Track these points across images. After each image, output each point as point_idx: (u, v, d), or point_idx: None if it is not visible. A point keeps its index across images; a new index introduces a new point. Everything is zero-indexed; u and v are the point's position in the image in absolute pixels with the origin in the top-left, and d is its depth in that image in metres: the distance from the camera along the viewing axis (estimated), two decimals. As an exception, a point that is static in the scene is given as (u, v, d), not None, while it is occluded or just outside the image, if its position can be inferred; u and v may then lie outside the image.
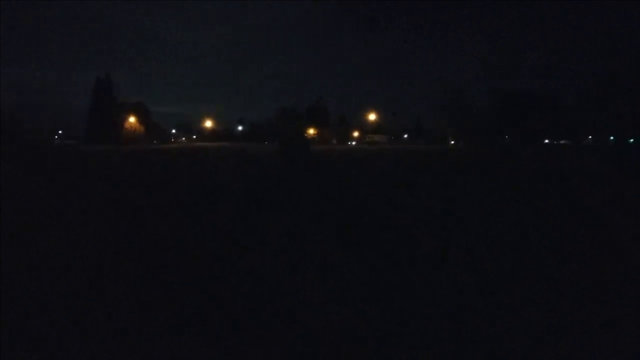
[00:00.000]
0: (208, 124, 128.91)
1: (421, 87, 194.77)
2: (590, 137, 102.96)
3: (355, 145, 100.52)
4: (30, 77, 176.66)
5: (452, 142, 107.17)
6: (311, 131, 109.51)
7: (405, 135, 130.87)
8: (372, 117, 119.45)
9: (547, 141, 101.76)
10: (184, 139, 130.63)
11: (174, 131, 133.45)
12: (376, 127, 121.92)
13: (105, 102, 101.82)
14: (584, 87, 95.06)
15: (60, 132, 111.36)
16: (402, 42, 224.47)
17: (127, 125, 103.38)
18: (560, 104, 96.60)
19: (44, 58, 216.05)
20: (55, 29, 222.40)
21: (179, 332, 3.30)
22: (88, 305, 3.91)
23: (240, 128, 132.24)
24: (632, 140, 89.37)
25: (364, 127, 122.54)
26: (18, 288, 4.26)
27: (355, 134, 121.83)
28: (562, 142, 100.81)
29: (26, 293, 4.14)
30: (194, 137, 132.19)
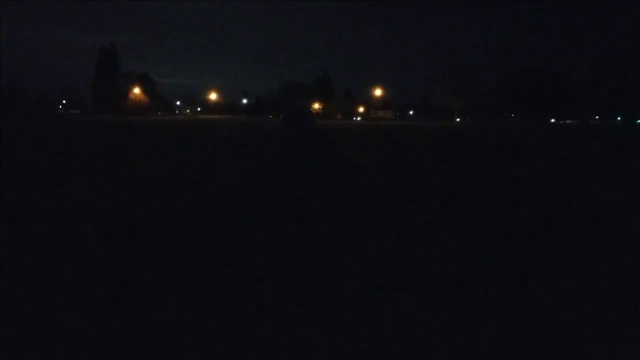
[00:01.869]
0: (213, 96, 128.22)
1: (428, 63, 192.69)
2: (597, 117, 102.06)
3: (360, 120, 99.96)
4: (33, 43, 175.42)
5: (458, 120, 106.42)
6: (316, 105, 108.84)
7: (411, 112, 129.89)
8: (377, 92, 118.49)
9: (553, 120, 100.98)
10: (188, 111, 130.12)
11: (178, 103, 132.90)
12: (382, 103, 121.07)
13: (109, 72, 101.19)
14: (592, 66, 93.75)
15: (64, 101, 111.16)
16: (411, 17, 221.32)
17: (131, 96, 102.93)
18: (568, 84, 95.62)
19: (50, 23, 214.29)
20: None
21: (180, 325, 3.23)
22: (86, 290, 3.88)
23: (245, 101, 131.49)
24: (639, 121, 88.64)
25: (370, 102, 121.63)
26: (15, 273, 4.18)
27: (361, 109, 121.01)
28: (568, 121, 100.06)
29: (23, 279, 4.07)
30: (199, 109, 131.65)
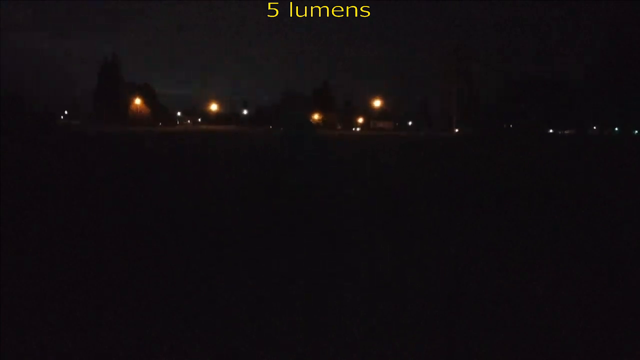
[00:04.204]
0: (213, 107, 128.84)
1: (428, 73, 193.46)
2: (595, 127, 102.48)
3: (360, 131, 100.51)
4: (34, 52, 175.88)
5: (457, 130, 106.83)
6: (316, 116, 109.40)
7: (410, 123, 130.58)
8: (377, 103, 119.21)
9: (551, 131, 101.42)
10: (189, 121, 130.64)
11: (179, 114, 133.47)
12: (381, 113, 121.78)
13: (111, 83, 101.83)
14: (590, 75, 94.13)
15: (66, 112, 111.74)
16: (407, 26, 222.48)
17: (133, 107, 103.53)
18: (566, 93, 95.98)
19: (51, 33, 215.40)
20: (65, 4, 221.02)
21: (178, 331, 3.40)
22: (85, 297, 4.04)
23: (245, 112, 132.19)
24: (637, 131, 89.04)
25: (369, 112, 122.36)
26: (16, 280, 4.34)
27: (360, 119, 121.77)
28: (566, 132, 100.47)
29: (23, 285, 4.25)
30: (199, 120, 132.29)
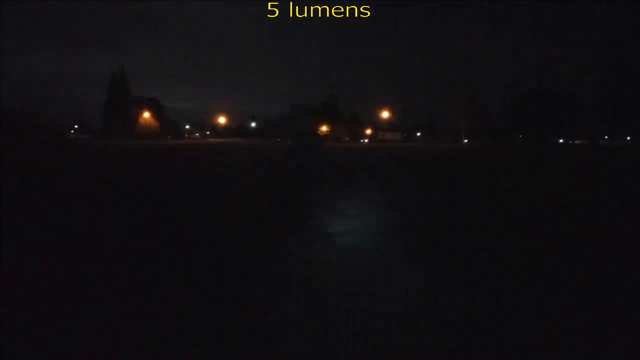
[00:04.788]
0: (221, 120, 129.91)
1: (435, 84, 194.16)
2: (606, 137, 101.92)
3: (367, 143, 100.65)
4: (44, 66, 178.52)
5: (466, 141, 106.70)
6: (323, 128, 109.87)
7: (418, 134, 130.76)
8: (384, 114, 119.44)
9: (561, 141, 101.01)
10: (197, 134, 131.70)
11: (187, 127, 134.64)
12: (388, 125, 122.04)
13: (120, 97, 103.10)
14: (600, 85, 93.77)
15: (76, 126, 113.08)
16: (416, 39, 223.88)
17: (141, 120, 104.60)
18: (575, 103, 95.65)
19: (61, 48, 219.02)
20: (73, 18, 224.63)
21: (179, 334, 3.37)
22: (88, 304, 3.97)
23: (253, 125, 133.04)
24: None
25: (377, 124, 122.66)
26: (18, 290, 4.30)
27: (368, 131, 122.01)
28: (577, 142, 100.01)
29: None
30: (207, 133, 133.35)
